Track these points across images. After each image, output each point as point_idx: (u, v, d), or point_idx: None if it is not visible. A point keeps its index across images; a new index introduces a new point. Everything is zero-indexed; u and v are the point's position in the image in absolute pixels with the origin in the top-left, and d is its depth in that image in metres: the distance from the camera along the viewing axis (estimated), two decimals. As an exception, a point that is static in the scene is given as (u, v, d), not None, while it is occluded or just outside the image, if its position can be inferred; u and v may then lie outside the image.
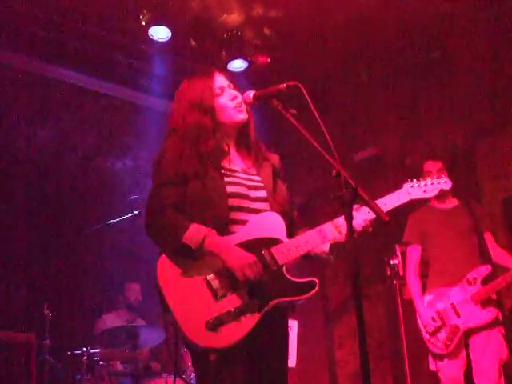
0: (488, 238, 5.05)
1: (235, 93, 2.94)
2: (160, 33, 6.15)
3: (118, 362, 5.86)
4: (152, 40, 6.22)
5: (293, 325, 5.52)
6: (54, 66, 6.45)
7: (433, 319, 4.81)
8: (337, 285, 7.43)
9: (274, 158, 3.07)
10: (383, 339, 6.86)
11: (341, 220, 2.72)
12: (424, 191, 2.90)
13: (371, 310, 6.88)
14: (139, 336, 5.68)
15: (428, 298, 4.95)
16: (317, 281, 2.69)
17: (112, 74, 6.65)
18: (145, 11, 5.97)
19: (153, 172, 2.84)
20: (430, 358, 4.91)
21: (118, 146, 7.28)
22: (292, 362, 5.43)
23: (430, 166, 5.04)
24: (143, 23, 6.02)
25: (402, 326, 5.93)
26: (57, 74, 6.48)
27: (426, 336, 4.85)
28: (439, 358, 4.80)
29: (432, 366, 4.90)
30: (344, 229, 2.70)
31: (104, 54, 6.37)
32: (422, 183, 2.92)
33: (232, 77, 3.07)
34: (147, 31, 6.11)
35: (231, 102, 2.91)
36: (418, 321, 4.93)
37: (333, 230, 2.74)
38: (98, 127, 7.06)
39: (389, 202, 2.79)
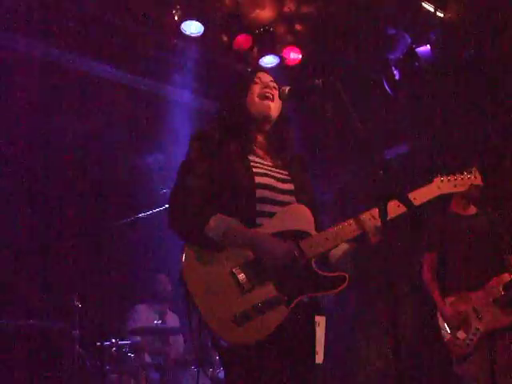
0: (506, 245, 5.07)
1: (270, 83, 2.93)
2: (192, 28, 6.16)
3: (147, 355, 5.89)
4: (185, 35, 6.23)
5: (321, 320, 5.50)
6: (86, 59, 6.47)
7: (458, 313, 4.82)
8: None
9: (303, 156, 3.06)
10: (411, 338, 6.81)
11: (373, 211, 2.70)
12: (454, 186, 2.90)
13: (400, 308, 6.82)
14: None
15: (450, 300, 4.95)
16: (347, 275, 2.65)
17: (144, 68, 6.67)
18: (178, 6, 6.00)
19: (181, 162, 2.81)
20: (455, 361, 4.91)
21: (149, 140, 7.31)
22: (319, 358, 5.40)
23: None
24: (176, 18, 6.04)
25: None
26: (90, 67, 6.51)
27: (447, 336, 4.86)
28: (462, 359, 4.80)
29: (457, 368, 4.89)
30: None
31: (137, 48, 6.40)
32: (453, 178, 2.91)
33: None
34: (180, 26, 6.12)
35: (261, 90, 2.90)
36: (439, 321, 4.94)
37: (366, 219, 2.70)
38: (130, 121, 7.10)
39: (419, 197, 2.78)
